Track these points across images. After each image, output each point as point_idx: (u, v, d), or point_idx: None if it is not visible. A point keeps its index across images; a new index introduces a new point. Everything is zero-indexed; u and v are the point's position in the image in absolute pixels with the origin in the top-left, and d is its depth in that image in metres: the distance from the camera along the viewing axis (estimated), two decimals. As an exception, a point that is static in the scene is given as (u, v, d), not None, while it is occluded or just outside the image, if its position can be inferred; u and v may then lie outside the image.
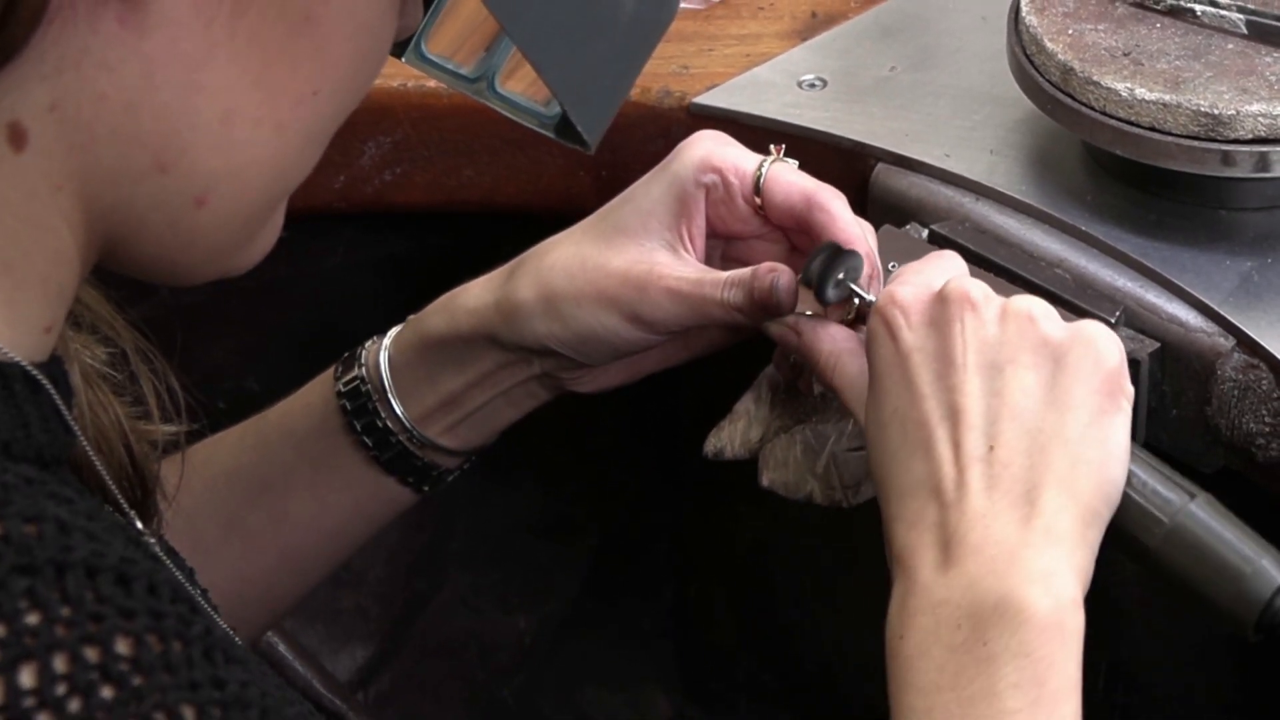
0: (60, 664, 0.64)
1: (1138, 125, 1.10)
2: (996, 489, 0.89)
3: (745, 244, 1.07)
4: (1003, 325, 0.92)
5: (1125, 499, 0.93)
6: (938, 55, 1.30)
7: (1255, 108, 1.08)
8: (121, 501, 0.82)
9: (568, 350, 1.05)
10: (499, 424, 1.10)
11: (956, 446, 0.90)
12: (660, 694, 1.59)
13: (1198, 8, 1.15)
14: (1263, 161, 1.09)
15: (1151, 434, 1.11)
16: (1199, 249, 1.12)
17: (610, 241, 1.04)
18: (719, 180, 1.04)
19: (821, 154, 1.22)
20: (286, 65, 0.73)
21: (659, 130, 1.28)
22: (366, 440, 1.09)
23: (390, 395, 1.08)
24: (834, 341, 1.00)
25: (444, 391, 1.08)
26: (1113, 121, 1.11)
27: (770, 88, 1.29)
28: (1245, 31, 1.14)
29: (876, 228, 1.09)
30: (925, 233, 1.16)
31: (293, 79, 0.74)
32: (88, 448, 0.79)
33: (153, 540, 0.83)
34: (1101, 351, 0.92)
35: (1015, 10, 1.18)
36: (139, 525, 0.83)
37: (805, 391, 1.06)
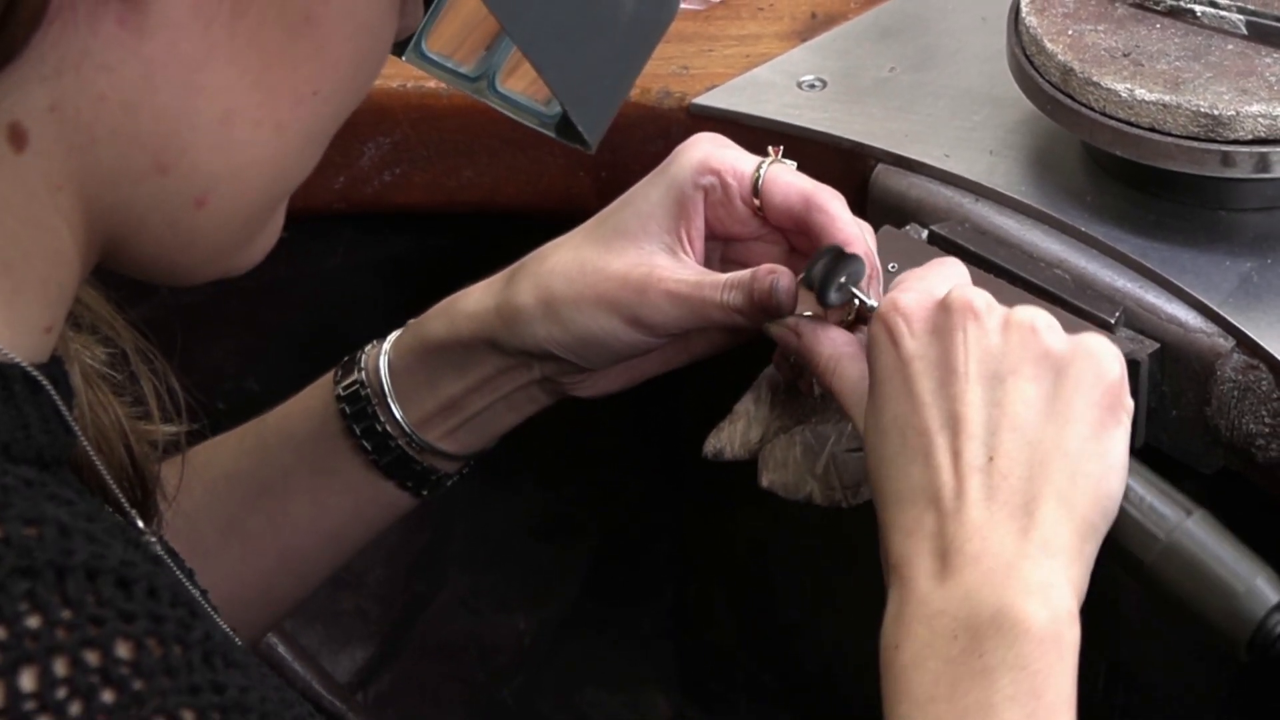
0: (61, 667, 0.64)
1: (1137, 126, 1.10)
2: (995, 500, 0.89)
3: (744, 246, 1.07)
4: (1005, 335, 0.92)
5: (1122, 513, 0.93)
6: (937, 56, 1.30)
7: (1255, 108, 1.08)
8: (122, 501, 0.82)
9: (568, 354, 1.05)
10: (499, 429, 1.10)
11: (956, 456, 0.90)
12: (660, 695, 1.59)
13: (1198, 8, 1.15)
14: (1262, 162, 1.09)
15: (1151, 435, 1.11)
16: (1199, 249, 1.12)
17: (609, 245, 1.04)
18: (717, 182, 1.04)
19: (821, 155, 1.22)
20: (286, 66, 0.73)
21: (659, 131, 1.28)
22: (366, 444, 1.09)
23: (390, 399, 1.08)
24: (834, 345, 1.00)
25: (444, 396, 1.08)
26: (1112, 122, 1.11)
27: (770, 88, 1.29)
28: (1245, 32, 1.14)
29: (876, 228, 1.09)
30: (925, 233, 1.16)
31: (292, 79, 0.74)
32: (88, 448, 0.79)
33: (153, 540, 0.83)
34: (1103, 365, 0.92)
35: (1015, 11, 1.18)
36: (140, 525, 0.83)
37: (805, 392, 1.06)
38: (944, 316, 0.93)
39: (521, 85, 0.90)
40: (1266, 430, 1.07)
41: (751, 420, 1.07)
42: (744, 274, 1.01)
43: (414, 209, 1.37)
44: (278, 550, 1.10)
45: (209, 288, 0.81)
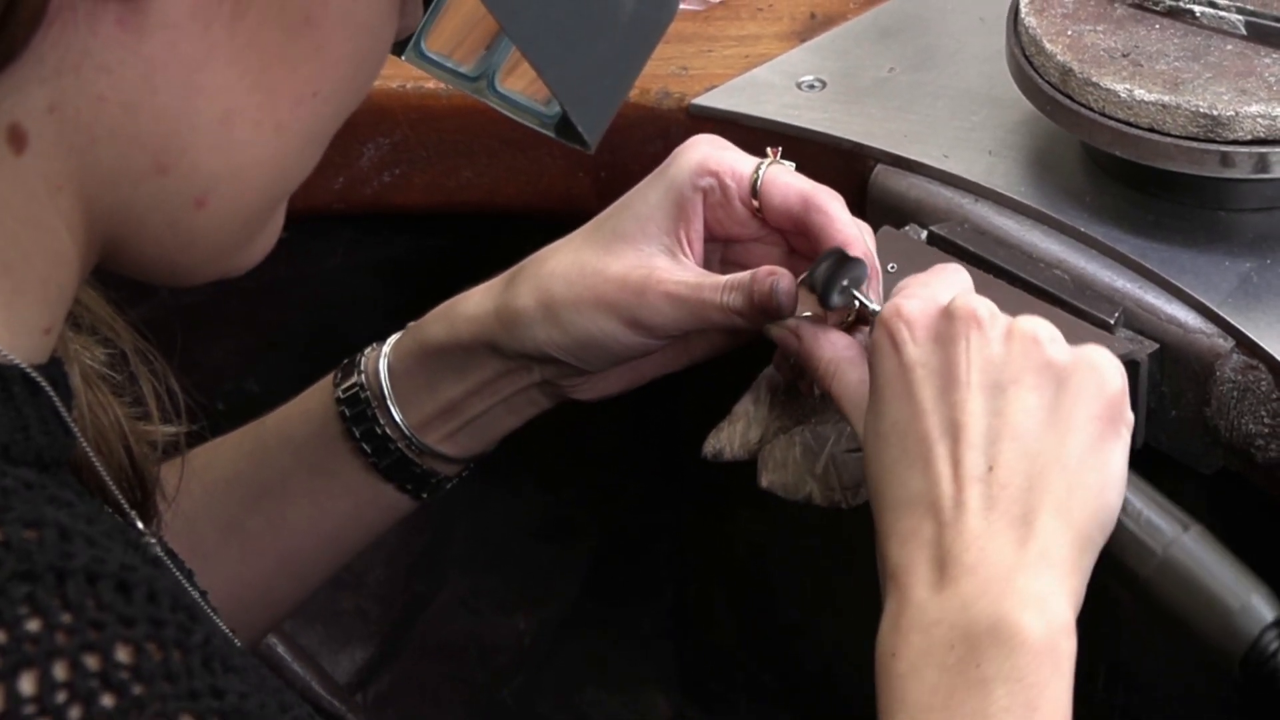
0: (61, 671, 0.64)
1: (1137, 126, 1.10)
2: (994, 510, 0.89)
3: (744, 247, 1.07)
4: (1008, 345, 0.92)
5: (1119, 527, 0.93)
6: (937, 56, 1.30)
7: (1254, 109, 1.08)
8: (122, 502, 0.82)
9: (568, 357, 1.05)
10: (498, 432, 1.10)
11: (956, 464, 0.90)
12: (660, 695, 1.59)
13: (1197, 9, 1.15)
14: (1262, 162, 1.09)
15: (1151, 435, 1.11)
16: (1198, 250, 1.12)
17: (609, 247, 1.04)
18: (716, 184, 1.04)
19: (820, 155, 1.22)
20: (286, 66, 0.73)
21: (658, 131, 1.28)
22: (365, 447, 1.09)
23: (389, 402, 1.08)
24: (834, 349, 1.00)
25: (443, 399, 1.08)
26: (1112, 123, 1.11)
27: (769, 89, 1.29)
28: (1244, 33, 1.14)
29: (875, 229, 1.09)
30: (924, 234, 1.16)
31: (292, 80, 0.74)
32: (87, 449, 0.79)
33: (153, 542, 0.83)
34: (1104, 377, 0.92)
35: (1014, 11, 1.18)
36: (139, 526, 0.83)
37: (805, 392, 1.06)
38: (947, 324, 0.93)
39: (521, 85, 0.90)
40: (1266, 430, 1.07)
41: (751, 421, 1.07)
42: (743, 276, 1.01)
43: (413, 209, 1.37)
44: (277, 552, 1.10)
45: (209, 288, 0.81)
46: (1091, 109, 1.12)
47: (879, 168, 1.21)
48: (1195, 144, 1.09)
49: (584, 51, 0.79)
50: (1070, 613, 0.88)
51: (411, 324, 1.10)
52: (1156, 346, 1.09)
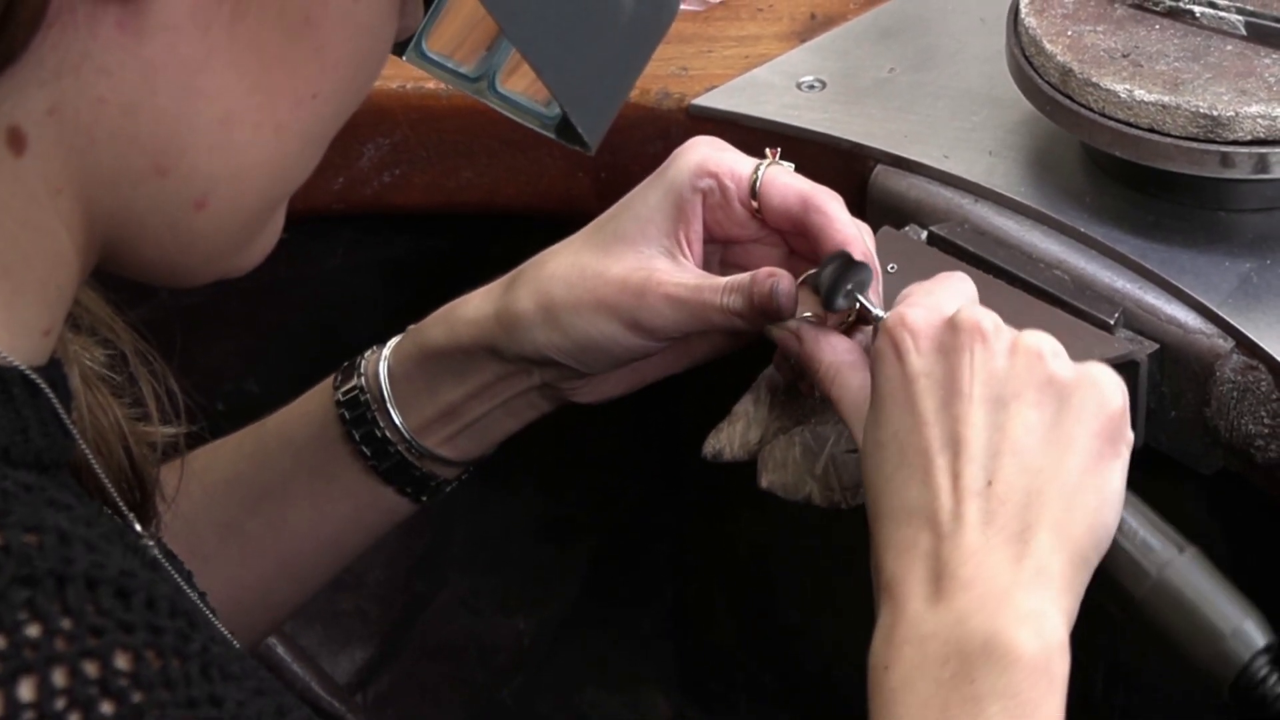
0: (60, 678, 0.64)
1: (1136, 127, 1.10)
2: (992, 525, 0.89)
3: (743, 248, 1.06)
4: (1012, 359, 0.92)
5: (1114, 546, 0.93)
6: (937, 57, 1.30)
7: (1254, 109, 1.08)
8: (120, 504, 0.82)
9: (568, 360, 1.05)
10: (498, 435, 1.10)
11: (956, 478, 0.90)
12: (660, 695, 1.59)
13: (1197, 9, 1.15)
14: (1261, 163, 1.09)
15: (1150, 435, 1.11)
16: (1198, 250, 1.12)
17: (608, 250, 1.04)
18: (715, 185, 1.04)
19: (820, 155, 1.22)
20: (286, 68, 0.73)
21: (658, 132, 1.28)
22: (365, 450, 1.08)
23: (389, 405, 1.08)
24: (835, 353, 0.99)
25: (443, 402, 1.08)
26: (1112, 123, 1.11)
27: (769, 89, 1.29)
28: (1244, 33, 1.14)
29: (875, 229, 1.09)
30: (924, 234, 1.16)
31: (292, 82, 0.74)
32: (87, 451, 0.79)
33: (151, 543, 0.83)
34: (1106, 395, 0.92)
35: (1014, 12, 1.18)
36: (138, 528, 0.83)
37: (805, 393, 1.06)
38: (951, 336, 0.92)
39: (521, 86, 0.90)
40: (1266, 431, 1.07)
41: (751, 421, 1.07)
42: (743, 277, 1.01)
43: (413, 210, 1.37)
44: (277, 554, 1.10)
45: (209, 289, 0.81)
46: (1091, 109, 1.12)
47: (879, 168, 1.21)
48: (1195, 144, 1.09)
49: (584, 53, 0.79)
50: (1064, 630, 0.88)
51: (411, 327, 1.10)
52: (1156, 347, 1.09)
